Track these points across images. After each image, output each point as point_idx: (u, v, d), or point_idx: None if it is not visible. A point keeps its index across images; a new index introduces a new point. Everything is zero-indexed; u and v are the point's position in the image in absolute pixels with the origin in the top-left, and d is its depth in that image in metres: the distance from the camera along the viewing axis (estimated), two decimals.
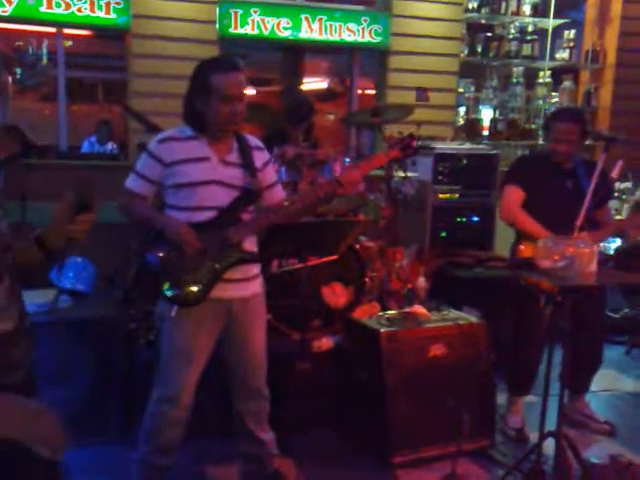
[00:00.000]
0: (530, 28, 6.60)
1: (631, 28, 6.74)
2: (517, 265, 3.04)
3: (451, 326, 3.25)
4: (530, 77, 6.73)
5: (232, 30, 5.76)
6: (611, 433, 3.50)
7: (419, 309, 3.36)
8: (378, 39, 6.15)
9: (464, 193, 4.85)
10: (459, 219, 4.85)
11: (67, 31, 5.65)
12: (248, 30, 5.81)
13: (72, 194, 1.62)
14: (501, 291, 3.60)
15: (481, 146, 5.45)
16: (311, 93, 8.01)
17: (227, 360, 2.60)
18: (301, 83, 7.86)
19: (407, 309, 3.40)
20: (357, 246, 3.80)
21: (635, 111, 6.67)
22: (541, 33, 6.60)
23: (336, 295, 3.68)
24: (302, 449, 3.06)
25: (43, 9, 5.25)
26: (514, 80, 6.61)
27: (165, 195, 2.49)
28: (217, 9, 5.68)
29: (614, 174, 3.22)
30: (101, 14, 5.41)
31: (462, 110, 6.58)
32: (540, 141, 6.39)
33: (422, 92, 6.19)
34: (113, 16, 5.44)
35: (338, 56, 7.16)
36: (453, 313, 3.41)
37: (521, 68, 6.61)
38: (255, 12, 5.79)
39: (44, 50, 5.91)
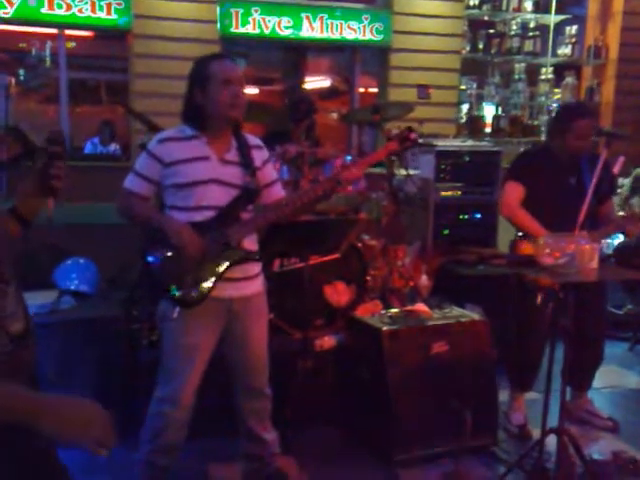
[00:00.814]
0: (532, 24, 6.60)
1: (633, 23, 6.73)
2: (517, 262, 3.04)
3: (453, 324, 3.24)
4: (532, 73, 6.72)
5: (233, 29, 5.78)
6: (614, 430, 3.49)
7: (421, 307, 3.35)
8: (379, 37, 6.16)
9: (466, 190, 4.84)
10: (462, 216, 4.84)
11: (69, 32, 5.67)
12: (249, 29, 5.82)
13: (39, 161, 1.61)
14: (503, 288, 3.59)
15: (483, 143, 5.44)
16: (314, 92, 8.01)
17: (229, 359, 2.60)
18: (303, 82, 7.86)
19: (409, 307, 3.40)
20: (359, 244, 3.81)
21: (638, 106, 6.65)
22: (543, 29, 6.60)
23: (338, 294, 3.69)
24: (305, 448, 3.06)
25: (44, 10, 5.28)
26: (516, 77, 6.61)
27: (164, 195, 2.49)
28: (218, 9, 5.70)
29: (615, 170, 3.21)
30: (102, 15, 5.43)
31: (465, 107, 6.58)
32: (543, 137, 6.37)
33: (423, 89, 6.18)
34: (114, 17, 5.46)
35: (340, 54, 7.15)
36: (455, 311, 3.41)
37: (523, 64, 6.61)
38: (256, 11, 5.80)
39: (47, 52, 5.94)
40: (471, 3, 6.39)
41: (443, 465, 3.00)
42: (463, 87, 6.52)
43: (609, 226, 3.49)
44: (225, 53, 2.51)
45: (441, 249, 4.54)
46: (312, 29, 5.98)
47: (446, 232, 4.79)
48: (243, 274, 2.51)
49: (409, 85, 6.20)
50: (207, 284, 2.42)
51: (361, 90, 6.74)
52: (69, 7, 5.32)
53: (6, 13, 5.20)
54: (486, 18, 6.60)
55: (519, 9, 6.47)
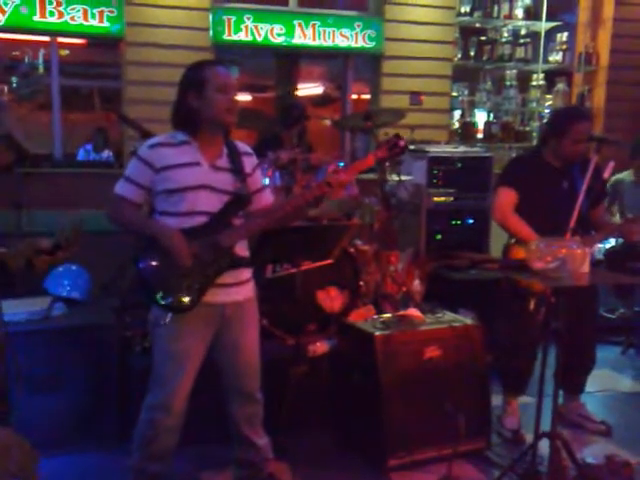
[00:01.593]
0: (523, 31, 6.63)
1: (623, 30, 6.77)
2: (509, 267, 3.05)
3: (445, 328, 3.25)
4: (523, 80, 6.75)
5: (226, 37, 5.79)
6: (607, 433, 3.50)
7: (413, 312, 3.36)
8: (371, 44, 6.18)
9: (459, 196, 4.87)
10: (454, 222, 4.87)
11: (61, 40, 5.67)
12: (242, 37, 5.83)
13: (50, 241, 1.62)
14: (496, 293, 3.61)
15: (475, 149, 5.46)
16: (307, 99, 8.03)
17: (220, 365, 2.60)
18: (296, 89, 7.88)
19: (402, 312, 3.40)
20: (352, 250, 3.81)
21: (629, 113, 6.69)
22: (534, 36, 6.63)
23: (331, 299, 3.69)
24: (298, 453, 3.05)
25: (36, 18, 5.27)
26: (508, 83, 6.64)
27: (155, 201, 2.49)
28: (210, 16, 5.71)
29: (606, 175, 3.24)
30: (95, 22, 5.42)
31: (458, 114, 6.61)
32: (534, 143, 6.40)
33: (416, 97, 6.21)
34: (106, 24, 5.46)
35: (332, 61, 7.18)
36: (448, 315, 3.42)
37: (514, 71, 6.63)
38: (248, 19, 5.82)
39: (40, 59, 5.93)
40: (462, 10, 6.42)
41: (436, 470, 3.00)
42: (455, 94, 6.54)
43: (605, 230, 3.51)
44: (219, 60, 2.53)
45: (434, 254, 4.55)
46: (304, 36, 6.00)
47: (439, 237, 4.81)
48: (234, 279, 2.52)
49: (401, 92, 6.22)
50: (199, 290, 2.42)
51: (354, 97, 6.75)
52: (61, 15, 5.32)
53: None
54: (478, 25, 6.63)
55: (510, 16, 6.50)
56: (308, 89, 8.21)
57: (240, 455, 2.71)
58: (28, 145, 5.52)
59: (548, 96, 6.81)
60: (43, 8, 5.28)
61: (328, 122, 4.97)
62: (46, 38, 5.58)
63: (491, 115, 6.63)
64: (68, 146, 6.28)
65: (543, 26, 6.54)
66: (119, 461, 2.77)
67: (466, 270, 4.32)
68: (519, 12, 6.53)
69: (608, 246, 4.89)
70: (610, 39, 6.78)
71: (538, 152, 3.53)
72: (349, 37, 6.12)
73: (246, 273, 2.59)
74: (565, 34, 6.79)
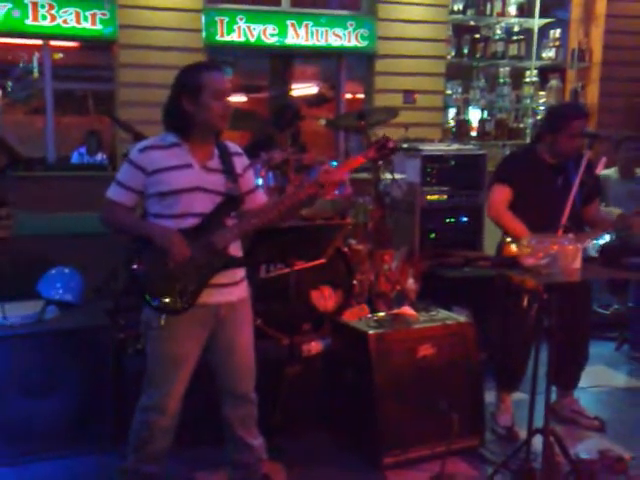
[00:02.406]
0: (516, 28, 6.64)
1: (616, 26, 6.78)
2: (501, 263, 3.06)
3: (439, 326, 3.26)
4: (517, 77, 6.76)
5: (218, 38, 5.79)
6: (601, 429, 3.51)
7: (407, 310, 3.37)
8: (364, 43, 6.18)
9: (453, 194, 4.87)
10: (448, 220, 4.87)
11: (54, 43, 5.67)
12: (234, 37, 5.83)
13: None
14: (490, 290, 3.61)
15: (468, 147, 5.46)
16: (301, 99, 8.02)
17: (214, 366, 2.61)
18: (290, 89, 7.87)
19: (395, 310, 3.41)
20: (346, 249, 3.82)
21: (622, 108, 6.70)
22: (527, 33, 6.64)
23: (325, 299, 3.70)
24: (292, 453, 3.06)
25: (29, 22, 5.27)
26: (501, 80, 6.65)
27: (148, 204, 2.50)
28: (203, 17, 5.71)
29: (598, 170, 3.24)
30: (87, 25, 5.42)
31: (453, 112, 6.62)
32: (528, 140, 6.41)
33: (409, 95, 6.22)
34: (99, 27, 5.46)
35: (326, 61, 7.18)
36: (441, 313, 3.43)
37: (508, 68, 6.64)
38: (241, 19, 5.82)
39: (34, 63, 5.94)
40: (455, 8, 6.43)
41: (430, 467, 3.00)
42: (449, 92, 6.55)
43: (600, 226, 3.51)
44: (213, 62, 2.54)
45: (428, 252, 4.55)
46: (297, 36, 6.00)
47: (433, 236, 4.81)
48: (229, 280, 2.53)
49: (395, 90, 6.22)
50: (193, 291, 2.43)
51: (348, 96, 6.76)
52: (54, 18, 5.32)
53: None
54: (471, 23, 6.64)
55: (503, 13, 6.51)
56: (302, 89, 8.20)
57: (234, 456, 2.71)
58: (21, 149, 5.52)
59: (542, 93, 6.81)
60: (35, 11, 5.28)
61: (322, 122, 4.96)
62: (39, 41, 5.59)
63: (485, 112, 6.64)
64: (61, 149, 6.28)
65: (536, 23, 6.55)
66: (114, 463, 2.78)
67: (460, 268, 4.33)
68: (512, 9, 6.54)
69: (602, 242, 4.89)
70: (603, 35, 6.79)
71: (533, 148, 3.54)
72: (342, 36, 6.12)
73: (240, 273, 2.60)
74: (558, 31, 6.80)
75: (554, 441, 2.77)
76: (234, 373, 2.60)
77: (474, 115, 6.66)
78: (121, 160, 4.80)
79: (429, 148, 4.93)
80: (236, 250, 2.56)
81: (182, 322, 2.45)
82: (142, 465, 2.56)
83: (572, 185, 3.08)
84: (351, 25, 6.14)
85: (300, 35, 6.01)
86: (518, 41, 6.59)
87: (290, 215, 2.65)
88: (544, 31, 6.79)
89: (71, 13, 5.36)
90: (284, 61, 7.64)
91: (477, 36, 6.57)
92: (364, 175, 4.50)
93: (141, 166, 2.44)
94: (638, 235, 3.56)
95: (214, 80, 2.43)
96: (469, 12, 6.48)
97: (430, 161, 4.81)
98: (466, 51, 6.52)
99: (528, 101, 6.74)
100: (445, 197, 4.85)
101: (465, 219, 4.90)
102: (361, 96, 6.74)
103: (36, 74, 6.00)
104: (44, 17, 5.30)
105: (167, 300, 2.41)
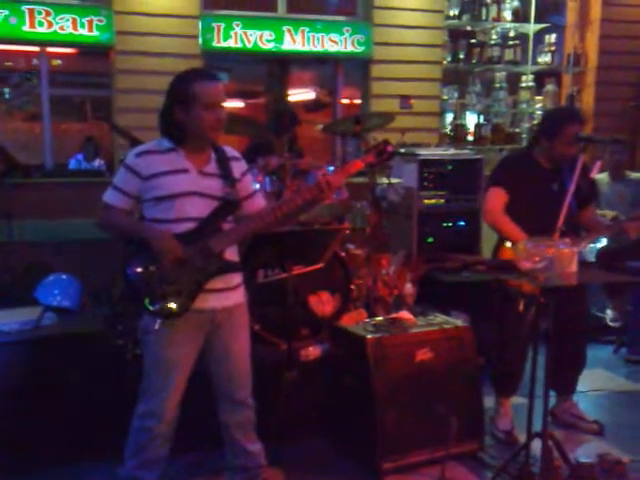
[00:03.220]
0: (512, 33, 6.67)
1: (611, 31, 6.81)
2: (498, 267, 3.06)
3: (436, 330, 3.25)
4: (513, 82, 6.80)
5: (215, 44, 5.81)
6: (600, 432, 3.50)
7: (405, 315, 3.36)
8: (360, 49, 6.21)
9: (450, 198, 4.88)
10: (445, 224, 4.88)
11: (51, 49, 5.68)
12: (231, 43, 5.86)
13: None
14: (487, 295, 3.61)
15: (465, 151, 5.48)
16: (298, 104, 8.04)
17: (211, 371, 2.60)
18: (287, 95, 7.89)
19: (393, 315, 3.41)
20: (343, 254, 3.82)
21: (617, 113, 6.73)
22: (522, 38, 6.67)
23: (323, 303, 3.70)
24: (291, 458, 3.06)
25: (26, 28, 5.29)
26: (497, 85, 6.68)
27: (144, 208, 2.50)
28: (199, 23, 5.73)
29: (592, 174, 3.25)
30: (84, 32, 5.44)
31: (449, 116, 6.64)
32: (524, 144, 6.42)
33: (405, 100, 6.23)
34: (96, 33, 5.48)
35: (322, 67, 7.20)
36: (439, 318, 3.42)
37: (504, 73, 6.68)
38: (237, 25, 5.84)
39: (31, 70, 5.94)
40: (451, 13, 6.46)
41: (429, 472, 3.00)
42: (445, 97, 6.58)
43: (596, 231, 3.52)
44: (208, 70, 2.54)
45: (425, 257, 4.56)
46: (294, 42, 6.02)
47: (430, 240, 4.82)
48: (225, 284, 2.52)
49: (391, 96, 6.25)
50: (188, 295, 2.42)
51: (345, 102, 6.78)
52: (50, 25, 5.33)
53: None
54: (467, 28, 6.66)
55: (499, 19, 6.55)
56: (299, 95, 8.22)
57: (233, 462, 2.70)
58: (19, 156, 5.52)
59: (538, 97, 6.85)
60: (32, 18, 5.30)
61: (319, 127, 4.97)
62: (36, 48, 5.60)
63: (481, 117, 6.66)
64: (59, 156, 6.28)
65: (532, 28, 6.58)
66: (113, 470, 2.76)
67: (458, 272, 4.33)
68: (507, 14, 6.57)
69: (599, 246, 4.91)
70: (598, 40, 6.83)
71: (528, 152, 3.54)
72: (338, 42, 6.14)
73: (237, 278, 2.60)
74: (553, 36, 6.84)
75: (553, 445, 2.77)
76: (230, 378, 2.60)
77: (470, 120, 6.70)
78: (119, 166, 4.81)
79: (426, 153, 4.94)
80: (232, 255, 2.55)
81: (178, 327, 2.44)
82: (140, 472, 2.54)
83: (568, 189, 3.08)
84: (347, 31, 6.16)
85: (297, 41, 6.03)
86: (514, 46, 6.63)
87: (289, 220, 2.65)
88: (540, 36, 6.82)
89: (68, 20, 5.38)
90: (281, 67, 7.65)
91: (473, 41, 6.61)
92: (361, 179, 4.50)
93: (136, 171, 2.44)
94: (633, 240, 3.58)
95: (206, 90, 2.41)
96: (465, 17, 6.52)
97: (427, 166, 4.82)
98: (462, 56, 6.55)
99: (524, 106, 6.77)
100: (442, 201, 4.86)
101: (462, 223, 4.90)
102: (358, 101, 6.76)
103: (33, 81, 6.00)
104: (41, 24, 5.32)
105: (161, 304, 2.40)
